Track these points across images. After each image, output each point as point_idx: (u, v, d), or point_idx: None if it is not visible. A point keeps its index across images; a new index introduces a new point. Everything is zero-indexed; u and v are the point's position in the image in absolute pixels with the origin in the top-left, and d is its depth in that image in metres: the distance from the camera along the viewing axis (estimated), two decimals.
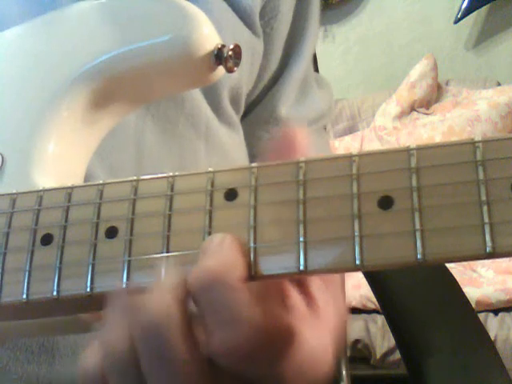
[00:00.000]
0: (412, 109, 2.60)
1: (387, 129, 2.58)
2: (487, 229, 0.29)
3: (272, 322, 0.32)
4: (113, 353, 0.33)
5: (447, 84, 2.72)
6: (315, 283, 0.37)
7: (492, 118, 2.39)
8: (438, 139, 2.42)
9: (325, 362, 0.35)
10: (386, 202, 0.31)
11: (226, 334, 0.31)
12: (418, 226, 0.30)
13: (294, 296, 0.35)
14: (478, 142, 0.31)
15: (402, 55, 2.84)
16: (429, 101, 2.62)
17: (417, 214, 0.30)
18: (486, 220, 0.29)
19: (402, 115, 2.59)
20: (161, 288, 0.33)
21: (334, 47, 2.90)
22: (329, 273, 0.35)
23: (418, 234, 0.30)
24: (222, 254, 0.32)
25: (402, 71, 2.71)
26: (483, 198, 0.29)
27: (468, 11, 2.66)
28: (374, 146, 2.60)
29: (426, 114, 2.57)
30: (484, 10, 2.71)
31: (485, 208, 0.29)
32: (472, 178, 0.30)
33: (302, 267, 0.32)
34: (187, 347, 0.32)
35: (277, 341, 0.32)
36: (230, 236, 0.33)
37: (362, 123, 2.76)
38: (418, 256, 0.30)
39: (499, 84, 2.64)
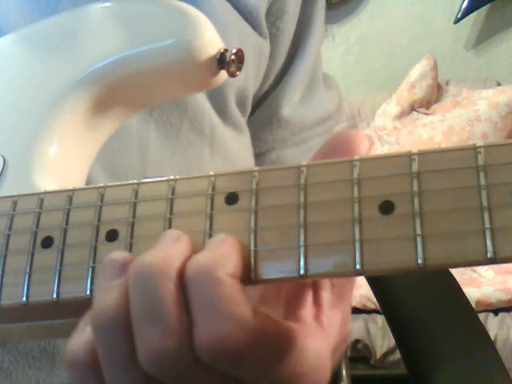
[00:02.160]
0: (412, 109, 2.60)
1: (387, 129, 2.58)
2: (488, 234, 0.29)
3: (265, 324, 0.31)
4: (104, 313, 0.32)
5: (447, 84, 2.72)
6: (328, 298, 0.36)
7: (492, 118, 2.39)
8: (437, 139, 2.42)
9: (323, 376, 0.34)
10: (386, 207, 0.31)
11: (208, 327, 0.31)
12: (418, 231, 0.30)
13: (308, 305, 0.35)
14: (480, 147, 0.30)
15: (402, 55, 2.83)
16: (429, 101, 2.62)
17: (418, 219, 0.30)
18: (487, 225, 0.29)
19: (401, 115, 2.58)
20: (160, 246, 0.33)
21: (334, 47, 2.90)
22: (329, 277, 0.35)
23: (418, 239, 0.30)
24: (216, 250, 0.32)
25: (402, 71, 2.70)
26: (484, 203, 0.29)
27: (468, 11, 2.66)
28: (373, 146, 2.60)
29: (426, 114, 2.57)
30: (484, 10, 2.71)
31: (486, 213, 0.29)
32: (473, 184, 0.30)
33: (302, 271, 0.32)
34: (178, 310, 0.31)
35: (271, 344, 0.31)
36: (231, 236, 0.33)
37: (362, 123, 2.76)
38: (419, 261, 0.30)
39: (499, 84, 2.64)
